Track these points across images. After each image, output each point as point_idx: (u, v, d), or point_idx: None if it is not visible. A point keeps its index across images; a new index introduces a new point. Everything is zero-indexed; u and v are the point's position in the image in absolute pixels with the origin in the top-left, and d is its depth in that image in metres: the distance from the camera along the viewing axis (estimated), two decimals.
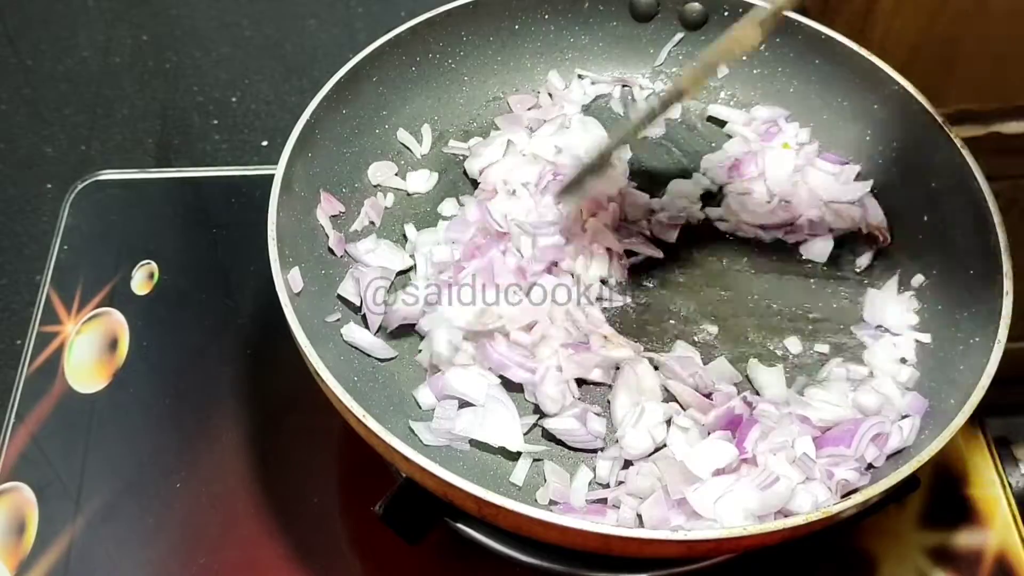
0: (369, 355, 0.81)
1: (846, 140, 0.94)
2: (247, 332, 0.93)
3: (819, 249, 0.89)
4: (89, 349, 0.92)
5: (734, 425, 0.76)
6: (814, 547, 0.81)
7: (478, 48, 0.97)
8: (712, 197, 0.93)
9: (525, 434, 0.77)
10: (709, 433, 0.76)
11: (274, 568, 0.79)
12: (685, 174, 0.95)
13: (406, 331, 0.82)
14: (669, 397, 0.79)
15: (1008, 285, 0.74)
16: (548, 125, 0.96)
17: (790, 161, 0.93)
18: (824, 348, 0.83)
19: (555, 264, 0.84)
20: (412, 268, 0.87)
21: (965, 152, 0.82)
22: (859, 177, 0.92)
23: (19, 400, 0.88)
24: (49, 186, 1.09)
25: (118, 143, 1.13)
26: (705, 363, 0.81)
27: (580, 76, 1.01)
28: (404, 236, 0.90)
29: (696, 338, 0.84)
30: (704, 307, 0.86)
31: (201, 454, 0.85)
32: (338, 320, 0.82)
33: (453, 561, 0.80)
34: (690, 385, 0.78)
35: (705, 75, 0.83)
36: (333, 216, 0.86)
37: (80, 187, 1.03)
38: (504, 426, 0.76)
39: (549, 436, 0.77)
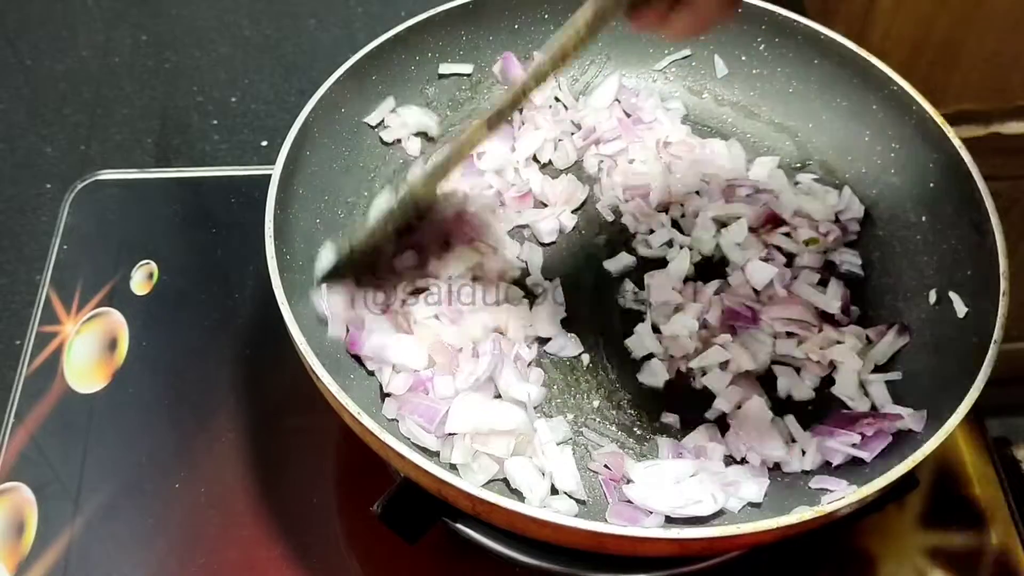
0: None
1: (845, 140, 0.94)
2: (247, 332, 0.93)
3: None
4: (88, 349, 0.92)
5: None
6: (814, 547, 0.80)
7: (478, 48, 0.98)
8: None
9: None
10: None
11: (273, 568, 0.79)
12: None
13: None
14: None
15: (1005, 286, 0.74)
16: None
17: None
18: None
19: None
20: None
21: (964, 152, 0.82)
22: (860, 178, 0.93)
23: (18, 400, 0.88)
24: (49, 186, 1.09)
25: (118, 143, 1.13)
26: None
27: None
28: None
29: None
30: None
31: (201, 454, 0.85)
32: None
33: (452, 561, 0.80)
34: None
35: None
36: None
37: (80, 187, 1.03)
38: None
39: None
